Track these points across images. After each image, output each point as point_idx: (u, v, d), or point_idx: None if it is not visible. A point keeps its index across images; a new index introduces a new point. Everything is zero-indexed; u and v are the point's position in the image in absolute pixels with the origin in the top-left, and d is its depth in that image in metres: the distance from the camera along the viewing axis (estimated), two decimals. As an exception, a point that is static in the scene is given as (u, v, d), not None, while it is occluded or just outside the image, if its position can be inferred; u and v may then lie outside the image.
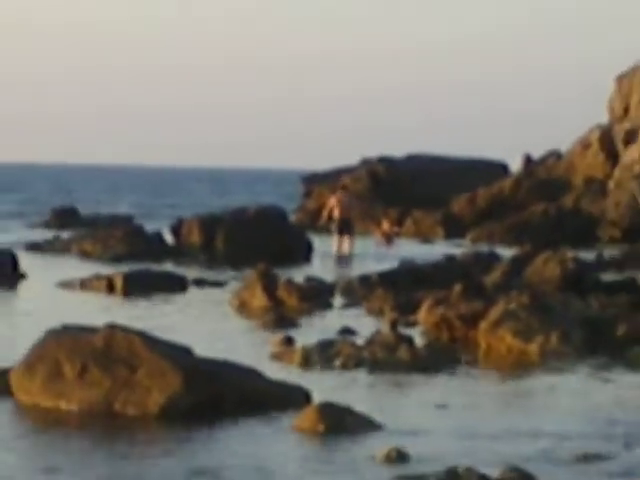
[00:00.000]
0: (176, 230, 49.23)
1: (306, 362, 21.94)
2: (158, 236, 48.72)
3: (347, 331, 25.37)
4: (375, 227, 54.78)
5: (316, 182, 70.23)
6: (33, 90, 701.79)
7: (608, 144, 64.43)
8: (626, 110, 67.61)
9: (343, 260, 46.65)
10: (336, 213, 50.69)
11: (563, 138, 72.06)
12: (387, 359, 22.27)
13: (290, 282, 31.53)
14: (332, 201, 52.25)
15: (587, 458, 15.06)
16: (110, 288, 33.84)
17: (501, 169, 71.69)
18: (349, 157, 70.03)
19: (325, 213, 51.33)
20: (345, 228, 49.99)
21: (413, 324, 26.40)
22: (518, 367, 22.91)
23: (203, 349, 19.15)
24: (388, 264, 36.58)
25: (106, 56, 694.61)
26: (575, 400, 19.96)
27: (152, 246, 47.02)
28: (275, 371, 20.11)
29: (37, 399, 17.90)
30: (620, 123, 66.13)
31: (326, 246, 48.84)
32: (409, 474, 14.11)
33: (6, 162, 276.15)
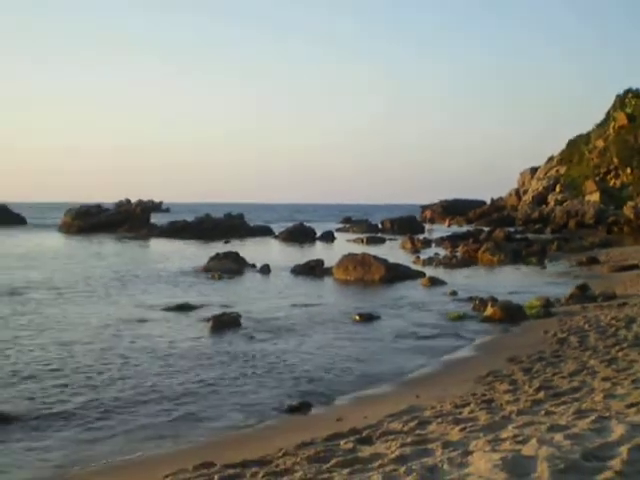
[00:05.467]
0: (382, 223, 49.09)
1: (424, 264, 22.01)
2: (376, 225, 48.63)
3: (436, 254, 25.17)
4: (443, 222, 53.49)
5: (425, 208, 68.61)
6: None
7: (518, 194, 62.09)
8: (523, 183, 64.93)
9: (430, 232, 45.86)
10: (428, 216, 50.69)
11: (503, 192, 68.98)
12: (449, 263, 22.23)
13: (418, 239, 31.36)
14: (427, 213, 52.37)
15: (515, 292, 14.93)
16: (361, 242, 33.94)
17: (483, 203, 68.97)
18: (434, 198, 67.19)
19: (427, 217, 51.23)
20: (431, 221, 49.79)
21: (457, 252, 26.02)
22: (491, 266, 22.47)
23: (391, 259, 19.14)
24: (448, 233, 35.82)
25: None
26: (508, 275, 19.67)
27: (374, 228, 46.97)
28: (414, 266, 20.05)
29: (341, 277, 18.21)
30: (521, 187, 63.63)
31: (428, 227, 47.98)
32: (457, 298, 14.36)
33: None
